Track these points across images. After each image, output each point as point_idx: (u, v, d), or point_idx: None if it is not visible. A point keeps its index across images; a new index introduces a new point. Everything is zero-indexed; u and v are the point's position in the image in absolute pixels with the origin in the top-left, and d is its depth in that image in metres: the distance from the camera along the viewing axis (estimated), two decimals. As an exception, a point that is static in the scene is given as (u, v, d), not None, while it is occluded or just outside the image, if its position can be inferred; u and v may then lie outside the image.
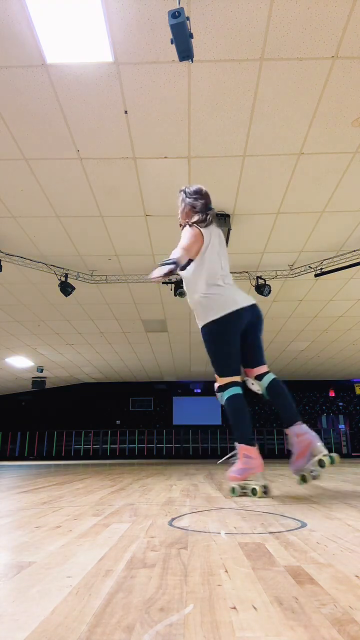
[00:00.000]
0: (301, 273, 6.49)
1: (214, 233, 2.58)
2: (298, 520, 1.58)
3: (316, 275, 6.36)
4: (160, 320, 8.94)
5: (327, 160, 4.23)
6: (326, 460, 2.20)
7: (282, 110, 3.61)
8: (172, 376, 15.02)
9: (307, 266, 6.39)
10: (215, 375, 2.57)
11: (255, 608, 0.71)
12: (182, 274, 2.58)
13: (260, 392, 2.49)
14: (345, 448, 15.64)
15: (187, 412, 15.99)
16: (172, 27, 2.51)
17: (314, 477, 2.28)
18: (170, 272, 2.13)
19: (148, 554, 1.09)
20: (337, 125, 3.77)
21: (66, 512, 1.88)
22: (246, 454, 2.37)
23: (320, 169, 4.35)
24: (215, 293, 2.47)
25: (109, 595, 0.79)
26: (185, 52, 2.64)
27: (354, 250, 5.99)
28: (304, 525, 1.48)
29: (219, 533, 1.34)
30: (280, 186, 4.60)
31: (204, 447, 15.51)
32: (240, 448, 2.40)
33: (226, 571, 0.93)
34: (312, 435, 2.27)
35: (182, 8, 2.50)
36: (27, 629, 0.64)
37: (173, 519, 1.63)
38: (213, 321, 2.46)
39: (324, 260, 6.27)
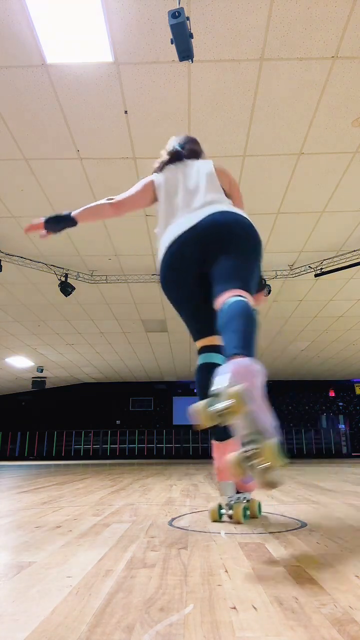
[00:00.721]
0: (301, 273, 6.49)
1: (172, 172, 1.96)
2: (298, 520, 1.58)
3: (316, 275, 6.36)
4: (160, 320, 8.93)
5: (327, 160, 4.23)
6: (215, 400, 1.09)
7: (282, 110, 3.61)
8: (172, 376, 15.02)
9: (307, 266, 6.39)
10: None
11: (255, 608, 0.71)
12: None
13: None
14: (345, 448, 15.65)
15: (187, 412, 15.97)
16: (172, 27, 2.52)
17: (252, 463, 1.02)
18: (45, 228, 1.74)
19: (148, 554, 1.09)
20: (337, 125, 3.76)
21: (66, 512, 1.88)
22: (214, 454, 1.69)
23: (320, 169, 4.34)
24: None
25: (109, 595, 0.79)
26: (185, 52, 2.64)
27: (354, 250, 5.99)
28: (304, 525, 1.48)
29: (219, 533, 1.34)
30: (280, 186, 4.60)
31: (204, 447, 15.50)
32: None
33: (226, 571, 0.93)
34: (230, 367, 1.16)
35: (182, 8, 2.50)
36: (27, 629, 0.64)
37: (173, 519, 1.63)
38: (159, 280, 1.81)
39: (324, 260, 6.26)
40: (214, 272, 1.58)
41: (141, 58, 3.13)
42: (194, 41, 2.68)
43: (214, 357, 1.68)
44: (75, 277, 6.54)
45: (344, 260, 6.14)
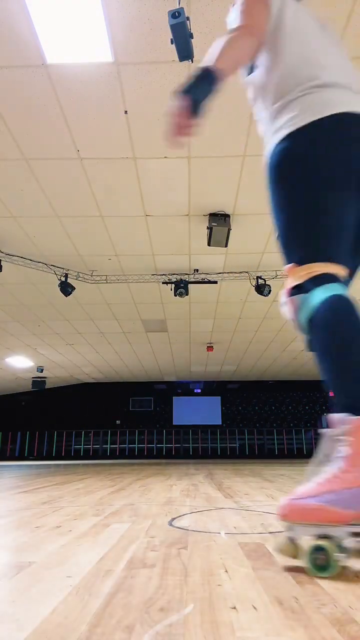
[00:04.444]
0: (301, 273, 6.49)
1: (304, 11, 1.34)
2: (298, 520, 1.58)
3: (316, 275, 6.36)
4: (160, 320, 8.93)
5: (327, 160, 4.23)
6: None
7: (282, 110, 3.60)
8: (172, 376, 15.02)
9: (307, 266, 6.39)
10: (286, 268, 1.14)
11: (255, 608, 0.71)
12: (251, 79, 1.35)
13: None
14: (345, 448, 15.62)
15: (187, 412, 15.99)
16: (172, 27, 2.51)
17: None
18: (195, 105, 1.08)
19: (148, 554, 1.09)
20: (337, 125, 3.76)
21: (66, 512, 1.88)
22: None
23: (320, 169, 4.34)
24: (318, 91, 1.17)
25: (109, 595, 0.79)
26: (185, 52, 2.64)
27: (354, 250, 5.99)
28: (304, 525, 1.47)
29: (219, 533, 1.34)
30: (280, 186, 4.59)
31: (204, 447, 15.50)
32: (354, 424, 0.93)
33: (226, 571, 0.93)
34: None
35: (182, 8, 2.50)
36: (27, 629, 0.64)
37: (173, 519, 1.63)
38: (323, 119, 1.13)
39: (324, 260, 6.27)
40: None
41: (141, 58, 3.13)
42: (194, 41, 2.68)
43: (344, 290, 1.07)
44: (75, 277, 6.54)
45: (344, 260, 6.14)
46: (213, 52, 1.15)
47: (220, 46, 1.15)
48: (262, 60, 1.28)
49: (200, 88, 1.11)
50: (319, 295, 1.04)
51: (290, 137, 1.15)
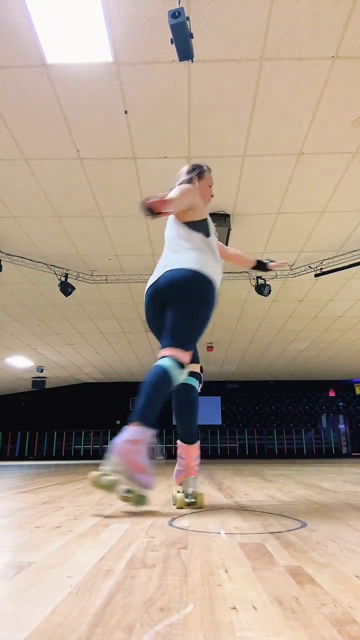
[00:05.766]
0: (301, 273, 6.49)
1: None
2: (298, 520, 1.58)
3: (316, 275, 6.36)
4: (160, 320, 8.93)
5: (327, 160, 4.23)
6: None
7: (282, 110, 3.60)
8: (172, 376, 15.00)
9: (307, 266, 6.39)
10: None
11: (255, 608, 0.71)
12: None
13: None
14: (345, 448, 15.64)
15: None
16: (172, 27, 2.51)
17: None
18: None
19: (148, 554, 1.09)
20: (337, 125, 3.76)
21: (66, 512, 1.88)
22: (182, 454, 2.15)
23: (320, 169, 4.34)
24: None
25: (109, 595, 0.79)
26: (185, 52, 2.64)
27: (354, 250, 5.99)
28: (304, 525, 1.48)
29: (219, 533, 1.34)
30: (280, 186, 4.60)
31: (203, 447, 15.43)
32: (178, 446, 2.20)
33: (226, 571, 0.93)
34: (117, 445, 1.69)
35: (182, 8, 2.49)
36: (27, 629, 0.64)
37: (173, 519, 1.63)
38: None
39: (324, 260, 6.26)
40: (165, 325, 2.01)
41: (141, 58, 3.13)
42: (194, 41, 2.68)
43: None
44: (75, 277, 6.54)
45: (344, 260, 6.14)
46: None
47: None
48: None
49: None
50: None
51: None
